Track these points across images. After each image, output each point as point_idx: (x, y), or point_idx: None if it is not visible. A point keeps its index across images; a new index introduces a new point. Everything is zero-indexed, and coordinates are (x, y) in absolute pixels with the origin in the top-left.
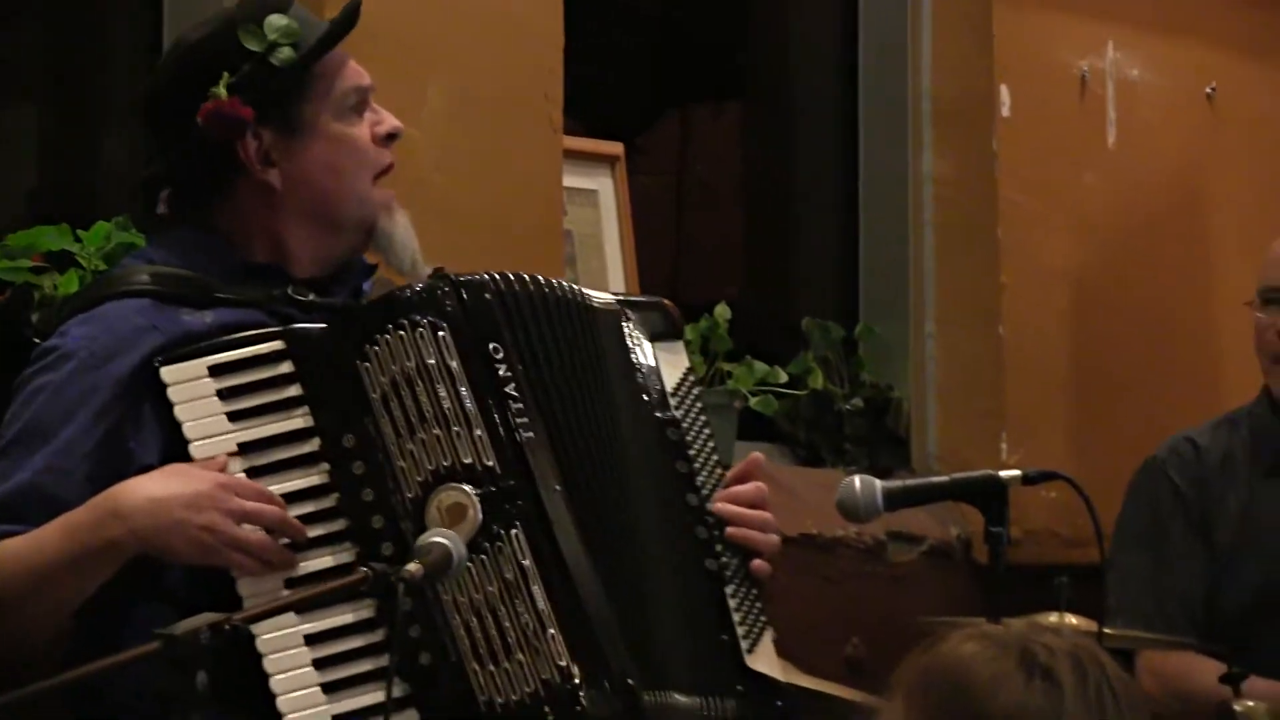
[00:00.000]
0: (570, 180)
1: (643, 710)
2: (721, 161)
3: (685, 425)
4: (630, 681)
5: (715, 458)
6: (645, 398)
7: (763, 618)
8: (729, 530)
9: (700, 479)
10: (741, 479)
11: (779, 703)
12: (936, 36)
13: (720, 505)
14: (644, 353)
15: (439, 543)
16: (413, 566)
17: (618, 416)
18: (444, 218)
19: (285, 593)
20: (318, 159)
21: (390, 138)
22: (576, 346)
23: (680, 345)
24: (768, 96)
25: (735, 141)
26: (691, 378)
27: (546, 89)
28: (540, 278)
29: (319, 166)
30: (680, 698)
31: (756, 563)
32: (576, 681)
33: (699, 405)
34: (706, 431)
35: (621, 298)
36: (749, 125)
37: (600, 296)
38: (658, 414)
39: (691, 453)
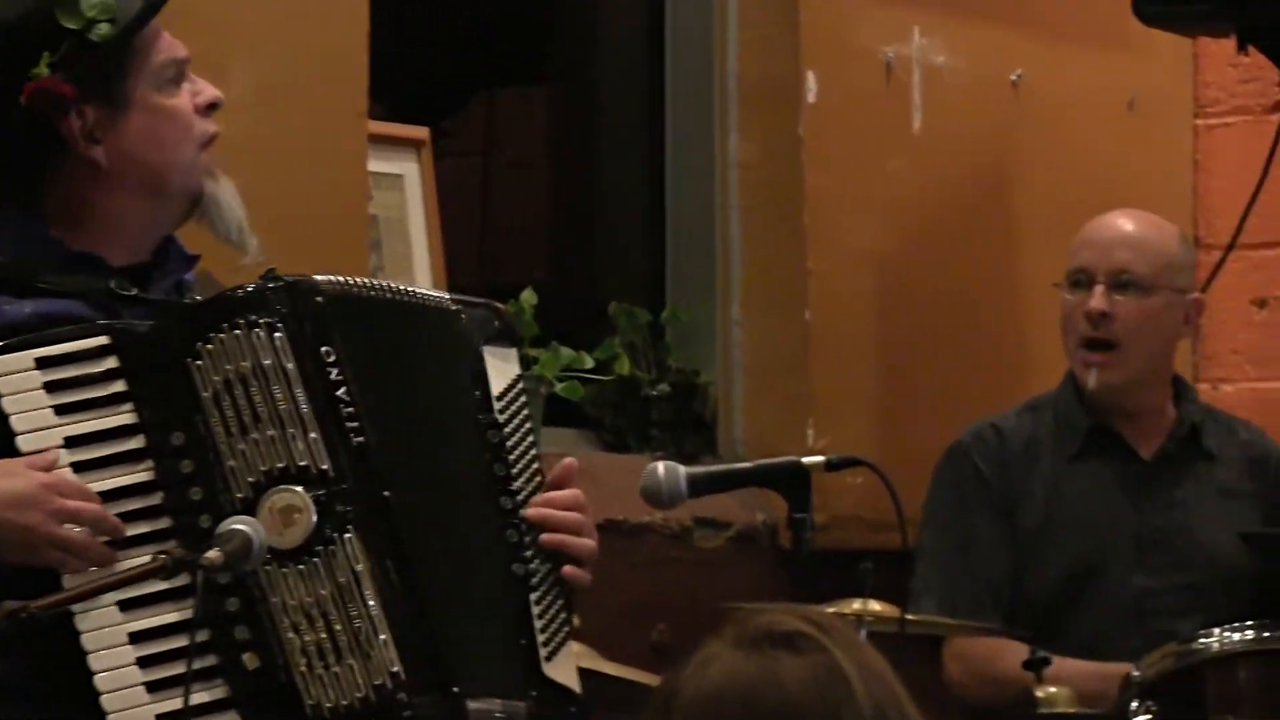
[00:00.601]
0: (375, 165)
1: (467, 716)
2: (528, 145)
3: (509, 430)
4: (456, 689)
5: (537, 465)
6: (468, 399)
7: (566, 628)
8: (543, 536)
9: (517, 484)
10: (558, 485)
11: (575, 710)
12: (743, 21)
13: (535, 510)
14: (471, 354)
15: (239, 529)
16: (212, 553)
17: (445, 419)
18: (247, 202)
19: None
20: (142, 132)
21: (211, 107)
22: (407, 349)
23: (513, 352)
24: (574, 80)
25: (542, 125)
26: (521, 384)
27: (351, 73)
28: (373, 280)
29: (144, 140)
30: (471, 703)
31: (570, 569)
32: (407, 688)
33: (525, 412)
34: (531, 439)
35: (457, 299)
36: (555, 109)
37: (434, 296)
38: (479, 416)
39: (511, 457)
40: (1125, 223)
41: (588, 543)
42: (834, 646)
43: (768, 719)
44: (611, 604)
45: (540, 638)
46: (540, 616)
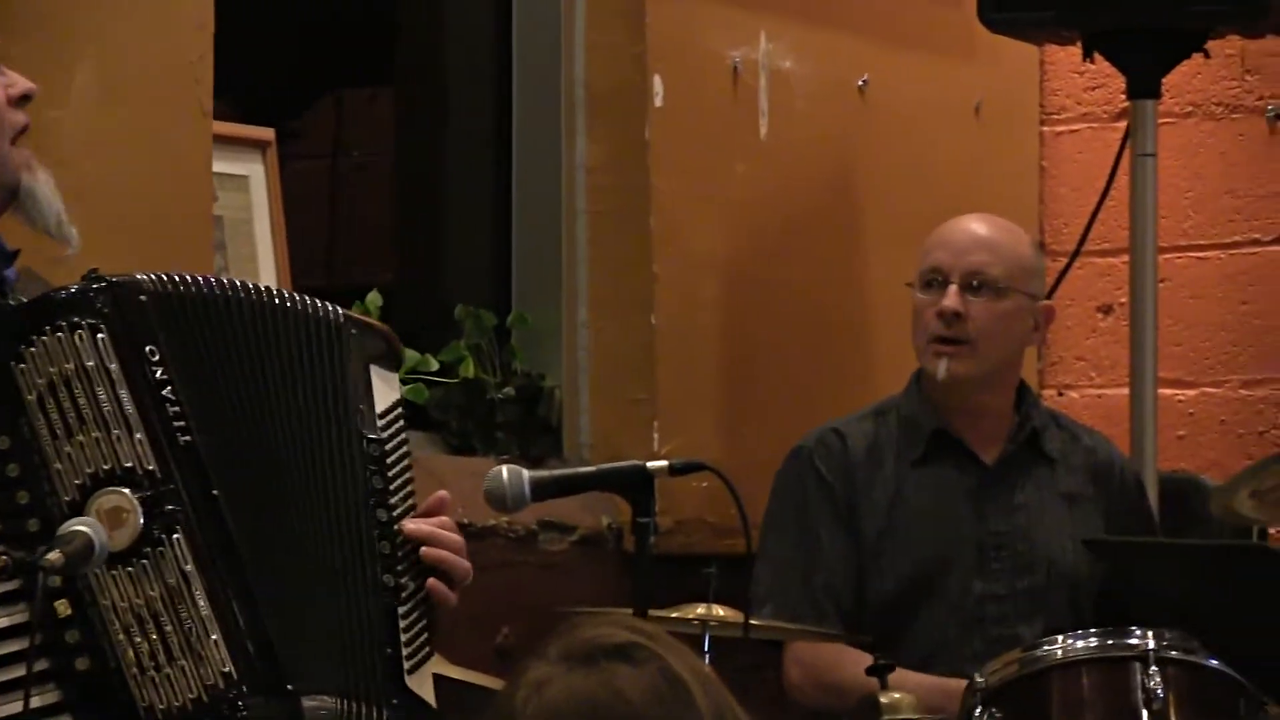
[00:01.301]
0: (220, 165)
1: (303, 714)
2: (376, 147)
3: (389, 448)
4: (290, 687)
5: (411, 487)
6: (346, 408)
7: (428, 646)
8: (424, 550)
9: (394, 499)
10: (430, 513)
11: None
12: (590, 25)
13: (418, 525)
14: (353, 365)
15: (80, 531)
16: (53, 555)
17: (307, 422)
18: (91, 203)
19: None
20: None
21: (24, 99)
22: (245, 347)
23: (395, 377)
24: (422, 82)
25: (389, 127)
26: (400, 409)
27: (196, 73)
28: (205, 278)
29: None
30: (308, 701)
31: (439, 586)
32: (239, 688)
33: (403, 437)
34: (407, 461)
35: (350, 316)
36: (403, 111)
37: (313, 304)
38: (359, 427)
39: (390, 474)
40: (980, 226)
41: (465, 564)
42: (667, 654)
43: None
44: (456, 607)
45: (405, 650)
46: (406, 630)
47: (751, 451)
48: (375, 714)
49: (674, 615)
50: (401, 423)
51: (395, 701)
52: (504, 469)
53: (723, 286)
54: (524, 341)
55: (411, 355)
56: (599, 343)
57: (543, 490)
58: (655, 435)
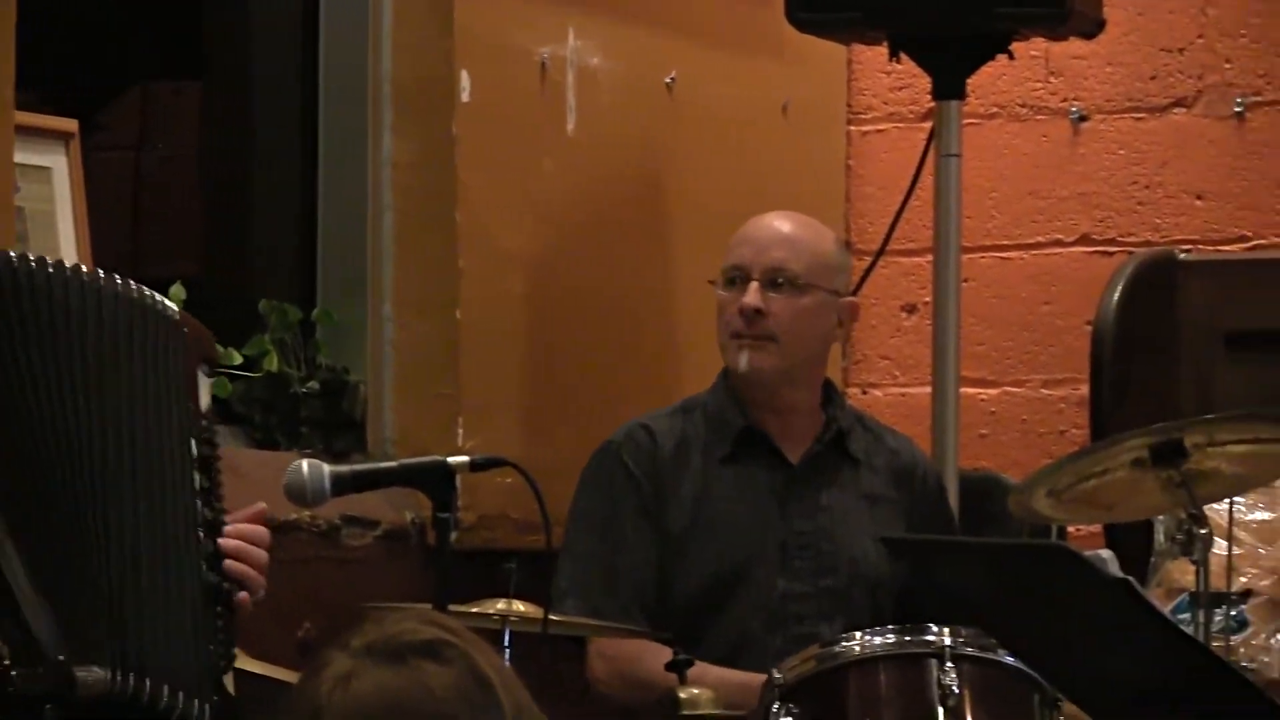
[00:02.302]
0: (22, 156)
1: (75, 685)
2: (182, 140)
3: (212, 449)
4: (61, 659)
5: (222, 492)
6: (172, 402)
7: (233, 651)
8: (227, 563)
9: (214, 500)
10: (249, 522)
11: None
12: (397, 20)
13: (228, 542)
14: (180, 362)
15: None
16: None
17: (137, 410)
18: None
19: None
20: None
21: None
22: (36, 332)
23: (208, 382)
24: (228, 75)
25: (195, 120)
26: (210, 412)
27: None
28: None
29: None
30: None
31: (242, 595)
32: (5, 661)
33: (216, 438)
34: (218, 466)
35: (180, 312)
36: (209, 104)
37: (146, 295)
38: (185, 422)
39: (212, 473)
40: (783, 223)
41: (261, 580)
42: (473, 652)
43: None
44: (258, 601)
45: (219, 650)
46: (220, 631)
47: (556, 447)
48: (201, 712)
49: (474, 610)
50: (214, 427)
51: (216, 699)
52: (304, 463)
53: (529, 283)
54: (329, 336)
55: None
56: (404, 338)
57: (343, 485)
58: (459, 430)
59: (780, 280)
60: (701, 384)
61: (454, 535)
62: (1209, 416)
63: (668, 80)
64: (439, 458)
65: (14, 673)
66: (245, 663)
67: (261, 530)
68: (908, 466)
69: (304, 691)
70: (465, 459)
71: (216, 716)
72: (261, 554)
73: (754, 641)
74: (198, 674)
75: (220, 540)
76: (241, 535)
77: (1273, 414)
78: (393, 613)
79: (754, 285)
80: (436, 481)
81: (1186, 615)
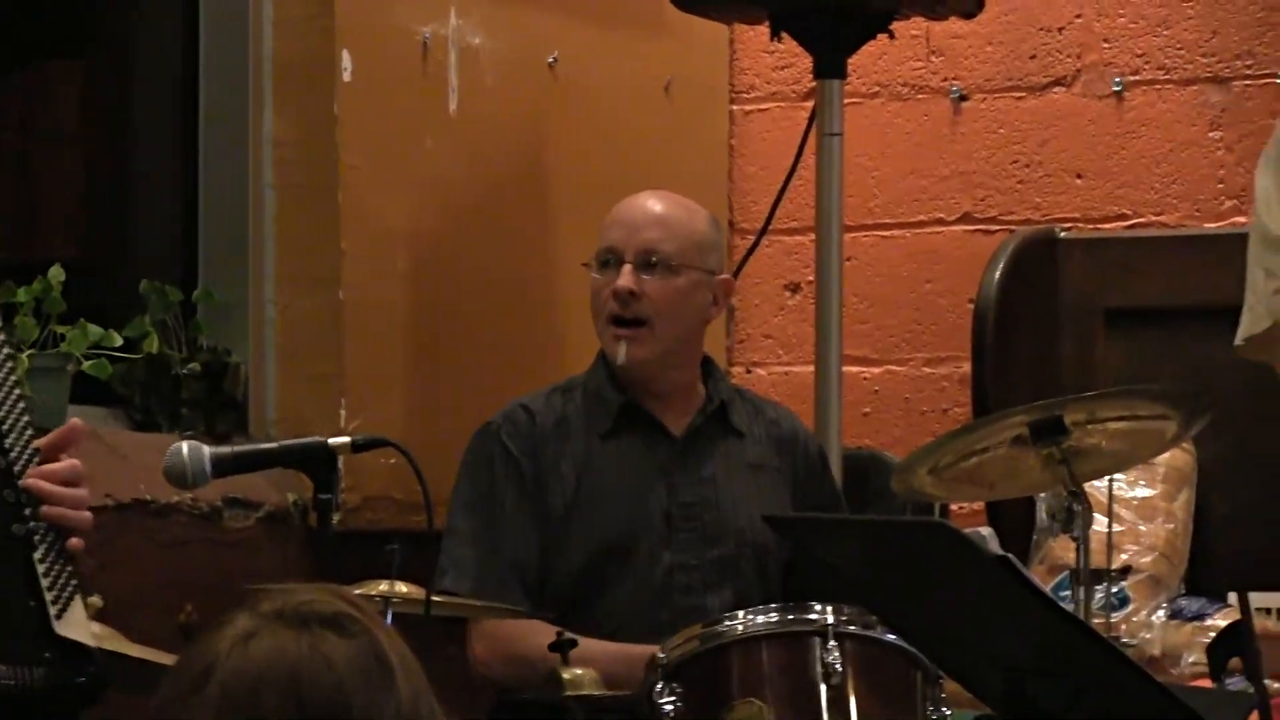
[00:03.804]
0: None
1: None
2: (63, 119)
3: None
4: None
5: (29, 431)
6: None
7: (73, 582)
8: (43, 510)
9: (9, 443)
10: (58, 446)
11: (91, 668)
12: None
13: (33, 483)
14: None
15: None
16: None
17: None
18: None
19: None
20: None
21: None
22: None
23: None
24: (109, 55)
25: (76, 100)
26: (6, 350)
27: None
28: None
29: None
30: None
31: (72, 540)
32: None
33: (14, 378)
34: (21, 404)
35: None
36: (90, 84)
37: None
38: None
39: (4, 427)
40: (654, 203)
41: (86, 515)
42: (378, 632)
43: (316, 698)
44: (138, 585)
45: (48, 596)
46: (46, 575)
47: (440, 427)
48: (28, 675)
49: (357, 592)
50: (10, 364)
51: (48, 655)
52: (184, 445)
53: (411, 262)
54: (210, 317)
55: (94, 330)
56: (286, 318)
57: (224, 467)
58: (342, 411)
59: (653, 261)
60: (583, 363)
61: (336, 516)
62: (1088, 394)
63: (550, 59)
64: (320, 439)
65: None
66: (125, 646)
67: (67, 467)
68: (789, 435)
69: (202, 646)
70: (346, 440)
71: (60, 669)
72: (74, 493)
73: (639, 615)
74: (16, 636)
75: (24, 484)
76: (45, 476)
77: (1151, 391)
78: (304, 586)
79: (627, 267)
80: (317, 463)
81: (1068, 592)
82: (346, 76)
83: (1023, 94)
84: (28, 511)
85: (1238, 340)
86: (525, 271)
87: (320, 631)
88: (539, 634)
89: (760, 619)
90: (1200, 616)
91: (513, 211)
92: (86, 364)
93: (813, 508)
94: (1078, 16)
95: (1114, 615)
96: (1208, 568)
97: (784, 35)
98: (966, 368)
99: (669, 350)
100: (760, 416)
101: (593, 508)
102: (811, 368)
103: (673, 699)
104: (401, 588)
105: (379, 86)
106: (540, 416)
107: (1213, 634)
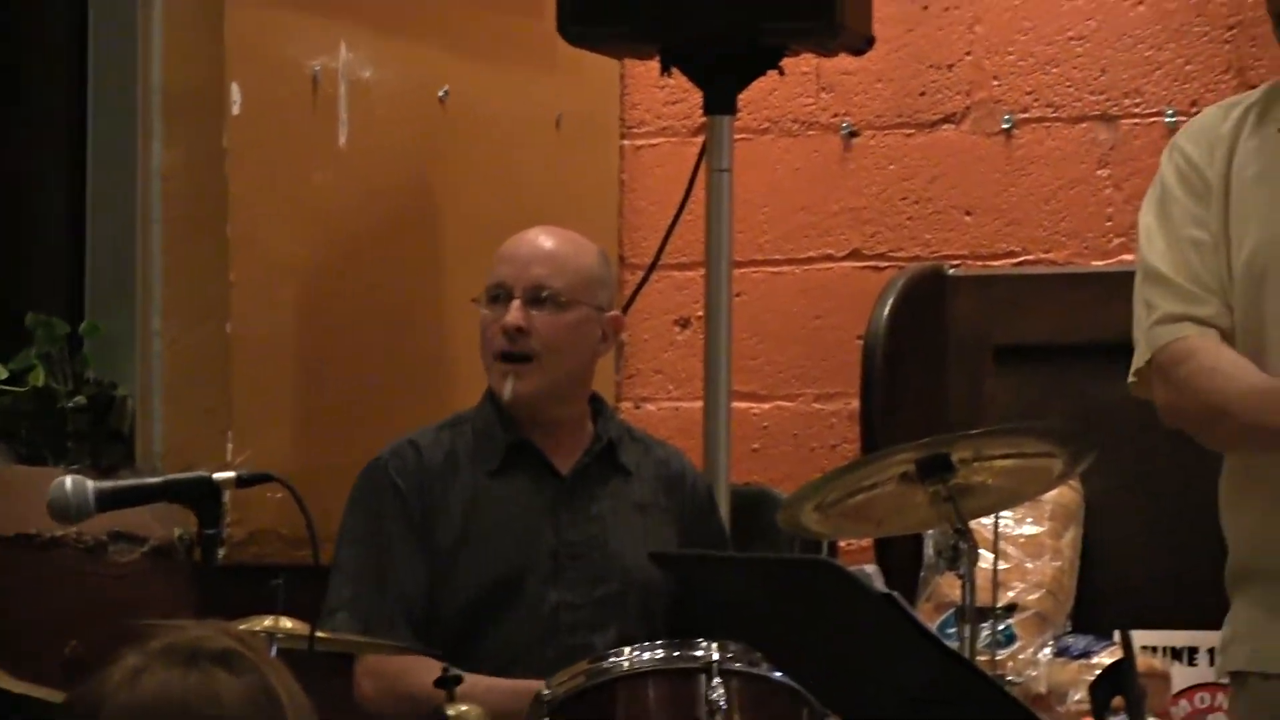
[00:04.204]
0: None
1: None
2: None
3: None
4: None
5: None
6: None
7: None
8: None
9: None
10: None
11: None
12: (167, 29)
13: None
14: None
15: None
16: None
17: None
18: None
19: None
20: None
21: None
22: None
23: None
24: None
25: None
26: None
27: None
28: None
29: None
30: None
31: None
32: None
33: None
34: None
35: None
36: None
37: None
38: None
39: None
40: (544, 239)
41: None
42: (267, 670)
43: None
44: (22, 620)
45: None
46: None
47: (327, 462)
48: None
49: (241, 627)
50: None
51: None
52: (67, 479)
53: (300, 295)
54: (97, 350)
55: None
56: (173, 351)
57: (107, 501)
58: (229, 445)
59: (542, 297)
60: (474, 396)
61: (222, 551)
62: (975, 431)
63: (440, 93)
64: (204, 474)
65: None
66: (7, 683)
67: None
68: (677, 475)
69: (93, 683)
70: (231, 475)
71: None
72: None
73: (526, 652)
74: None
75: None
76: None
77: (1037, 429)
78: (194, 623)
79: (516, 303)
80: (202, 497)
81: (954, 630)
82: (236, 109)
83: (912, 130)
84: None
85: (1130, 377)
86: (415, 306)
87: (209, 668)
88: (425, 670)
89: (646, 655)
90: (1086, 654)
91: (403, 245)
92: None
93: (699, 546)
94: (967, 54)
95: (1000, 653)
96: (1094, 605)
97: (674, 71)
98: (855, 404)
99: (556, 386)
100: (649, 455)
101: (480, 545)
102: (701, 403)
103: None
104: (286, 623)
105: (268, 119)
106: (428, 453)
107: (1098, 671)
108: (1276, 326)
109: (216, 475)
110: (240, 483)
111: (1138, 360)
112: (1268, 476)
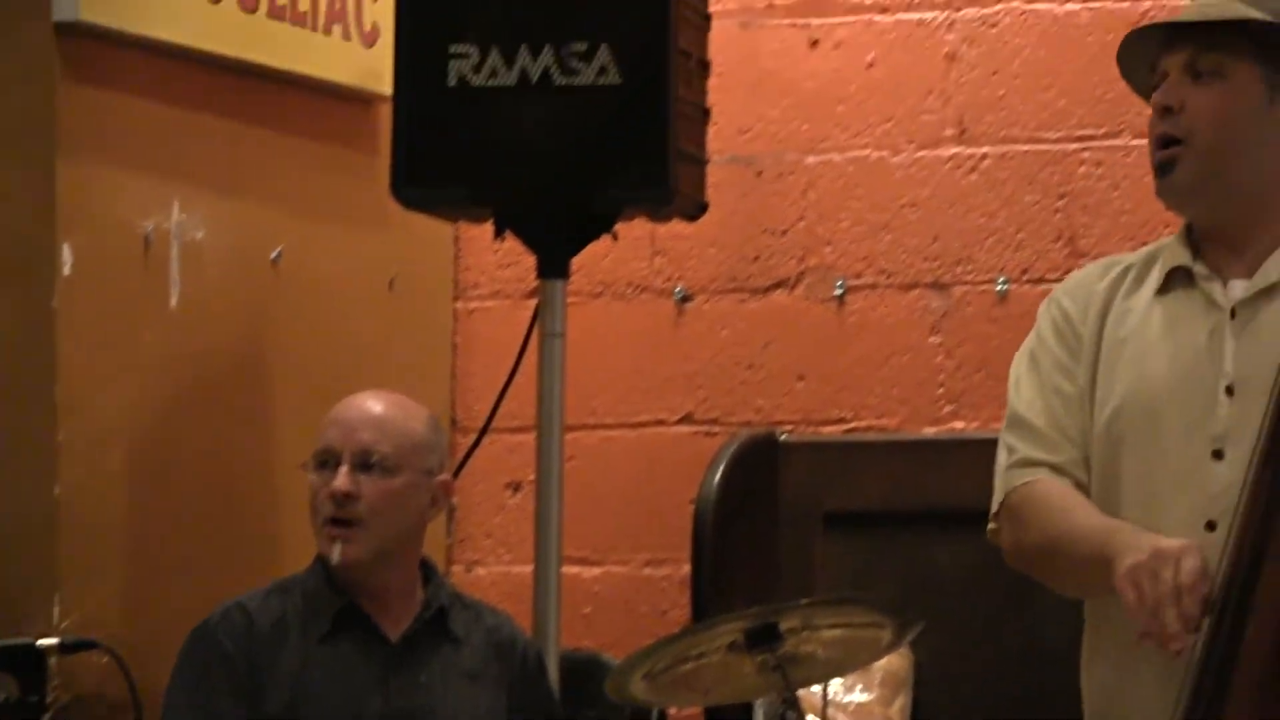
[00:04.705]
0: None
1: None
2: None
3: None
4: None
5: None
6: None
7: None
8: None
9: None
10: None
11: None
12: None
13: None
14: None
15: None
16: None
17: None
18: None
19: None
20: None
21: None
22: None
23: None
24: None
25: None
26: None
27: None
28: None
29: None
30: None
31: None
32: None
33: None
34: None
35: None
36: None
37: None
38: None
39: None
40: (373, 404)
41: None
42: None
43: None
44: None
45: None
46: None
47: (156, 626)
48: None
49: None
50: None
51: None
52: None
53: (130, 458)
54: None
55: None
56: (0, 514)
57: None
58: (56, 609)
59: (371, 462)
60: (304, 560)
61: (46, 717)
62: (803, 601)
63: (274, 254)
64: (27, 640)
65: None
66: None
67: None
68: (507, 642)
69: None
70: (54, 641)
71: None
72: None
73: None
74: None
75: None
76: None
77: (864, 600)
78: None
79: (344, 468)
80: (24, 664)
81: None
82: (66, 270)
83: (745, 296)
84: None
85: (989, 523)
86: (246, 468)
87: None
88: None
89: None
90: None
91: (233, 407)
92: None
93: (529, 713)
94: (800, 220)
95: None
96: None
97: (508, 234)
98: (686, 569)
99: (385, 551)
100: (479, 622)
101: (308, 713)
102: (532, 567)
103: None
104: None
105: (99, 280)
106: (258, 617)
107: None
108: (1130, 488)
109: (40, 641)
110: (64, 649)
111: (993, 505)
112: (1117, 632)
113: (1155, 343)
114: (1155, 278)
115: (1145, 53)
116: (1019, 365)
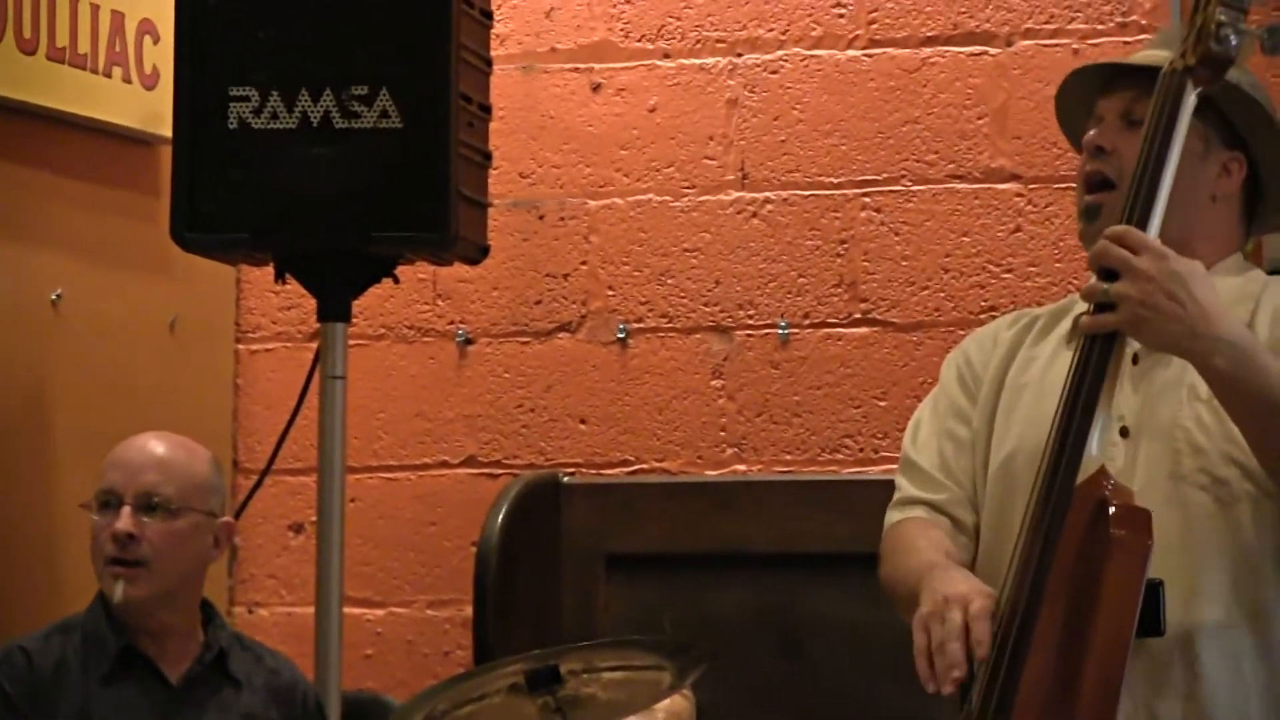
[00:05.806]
0: None
1: None
2: None
3: None
4: None
5: None
6: None
7: None
8: None
9: None
10: None
11: None
12: None
13: None
14: None
15: None
16: None
17: None
18: None
19: None
20: None
21: None
22: None
23: None
24: None
25: None
26: None
27: None
28: None
29: None
30: None
31: None
32: None
33: None
34: None
35: None
36: None
37: None
38: None
39: None
40: (155, 445)
41: None
42: None
43: None
44: None
45: None
46: None
47: None
48: None
49: None
50: None
51: None
52: None
53: None
54: None
55: None
56: None
57: None
58: None
59: (153, 504)
60: (84, 601)
61: None
62: (583, 644)
63: (53, 296)
64: None
65: None
66: None
67: None
68: (287, 686)
69: None
70: None
71: None
72: None
73: None
74: None
75: None
76: None
77: (645, 642)
78: None
79: (126, 509)
80: None
81: None
82: None
83: (528, 339)
84: None
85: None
86: (23, 511)
87: None
88: None
89: None
90: None
91: (13, 450)
92: None
93: None
94: (583, 264)
95: None
96: None
97: (289, 277)
98: (469, 610)
99: (167, 592)
100: (260, 665)
101: None
102: (313, 609)
103: None
104: None
105: None
106: (38, 658)
107: None
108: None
109: None
110: None
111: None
112: None
113: (1054, 388)
114: (1064, 327)
115: (1084, 96)
116: (922, 409)
